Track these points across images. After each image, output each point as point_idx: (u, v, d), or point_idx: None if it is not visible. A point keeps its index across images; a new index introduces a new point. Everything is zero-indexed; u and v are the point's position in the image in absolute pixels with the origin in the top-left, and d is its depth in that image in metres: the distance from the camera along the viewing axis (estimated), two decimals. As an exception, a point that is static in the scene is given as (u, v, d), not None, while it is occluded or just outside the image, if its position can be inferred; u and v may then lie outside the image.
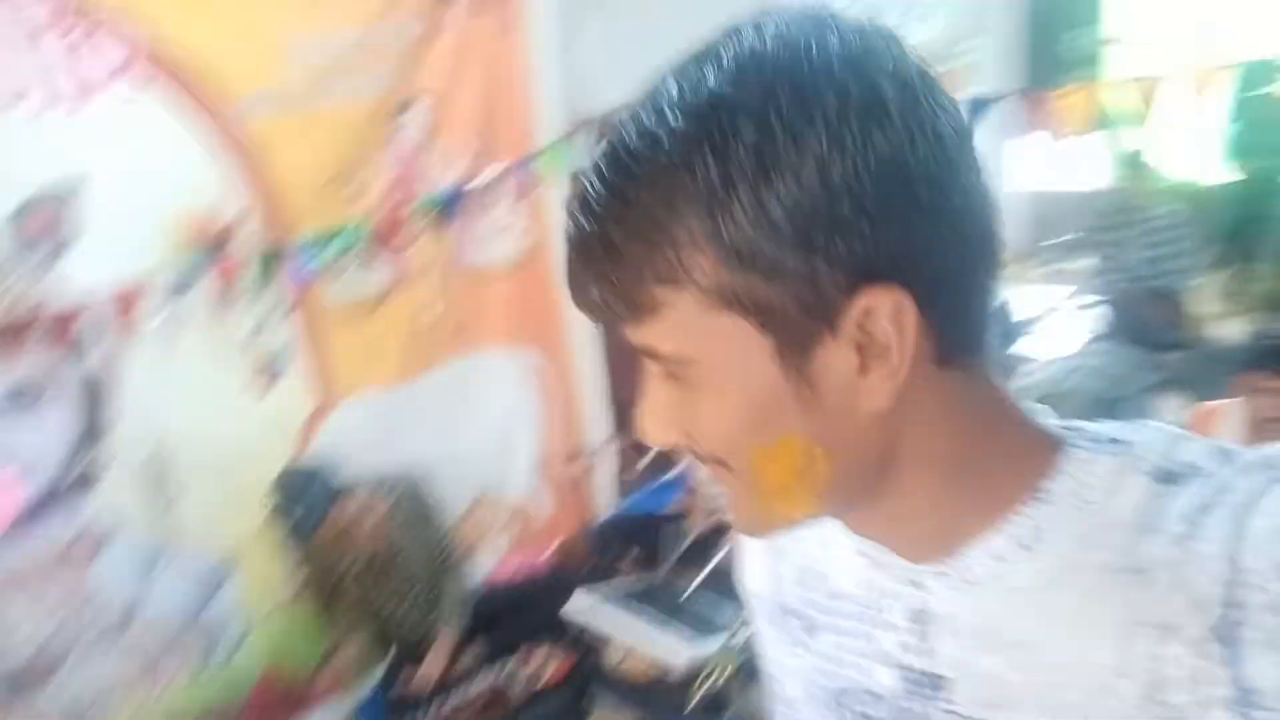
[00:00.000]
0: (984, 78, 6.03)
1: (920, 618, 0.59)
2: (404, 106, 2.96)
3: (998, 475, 0.55)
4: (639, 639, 2.72)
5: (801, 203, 0.47)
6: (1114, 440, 0.55)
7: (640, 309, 0.51)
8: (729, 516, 0.60)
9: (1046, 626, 0.53)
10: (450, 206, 3.07)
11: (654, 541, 3.33)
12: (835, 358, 0.50)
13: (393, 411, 3.11)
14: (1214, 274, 5.07)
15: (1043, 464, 0.55)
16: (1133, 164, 4.56)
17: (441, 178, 3.12)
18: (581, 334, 3.65)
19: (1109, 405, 4.29)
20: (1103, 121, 5.73)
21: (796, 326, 0.49)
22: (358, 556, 2.87)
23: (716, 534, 3.22)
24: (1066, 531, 0.53)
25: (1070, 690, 0.52)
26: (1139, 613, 0.50)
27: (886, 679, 0.61)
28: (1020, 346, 4.44)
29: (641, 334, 0.52)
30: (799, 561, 0.68)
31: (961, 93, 3.15)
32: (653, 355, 0.53)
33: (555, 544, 3.60)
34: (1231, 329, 5.06)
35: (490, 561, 3.51)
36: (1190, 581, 0.48)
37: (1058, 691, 0.53)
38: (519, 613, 3.06)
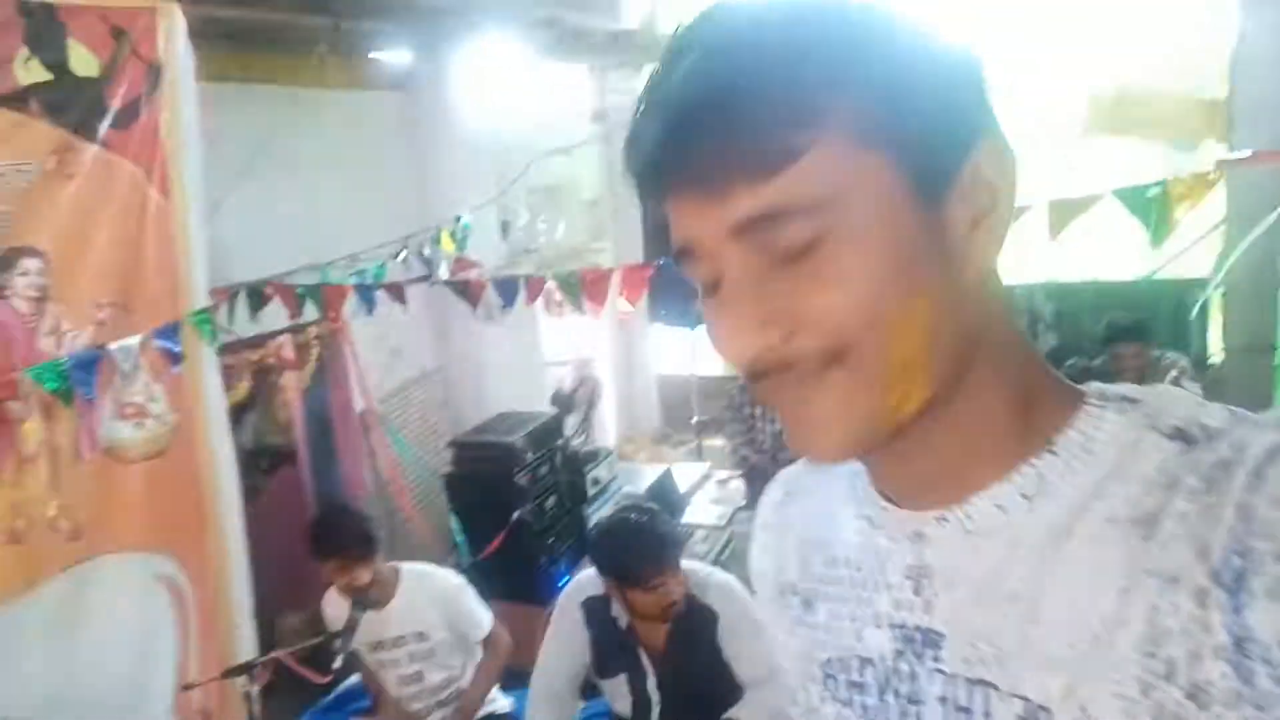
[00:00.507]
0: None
1: (917, 572, 0.59)
2: (12, 260, 2.43)
3: (1032, 414, 0.56)
4: None
5: (940, 59, 0.51)
6: (1124, 398, 0.55)
7: (781, 156, 0.49)
8: (814, 440, 0.54)
9: (1046, 577, 0.53)
10: (70, 380, 2.53)
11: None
12: (957, 209, 0.52)
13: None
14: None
15: (1058, 418, 0.55)
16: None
17: (57, 348, 2.58)
18: (228, 538, 3.14)
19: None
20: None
21: (932, 168, 0.51)
22: None
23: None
24: (1071, 484, 0.53)
25: (1062, 644, 0.51)
26: (1144, 563, 0.49)
27: (878, 641, 0.61)
28: (685, 516, 4.59)
29: (775, 189, 0.49)
30: (802, 535, 0.70)
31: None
32: (783, 217, 0.49)
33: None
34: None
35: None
36: (1200, 533, 0.48)
37: (1050, 646, 0.52)
38: None
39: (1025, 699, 0.53)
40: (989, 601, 0.55)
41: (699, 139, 0.50)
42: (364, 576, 2.69)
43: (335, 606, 2.86)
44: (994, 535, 0.55)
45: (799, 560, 0.70)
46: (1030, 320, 5.50)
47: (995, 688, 0.55)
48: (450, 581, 2.89)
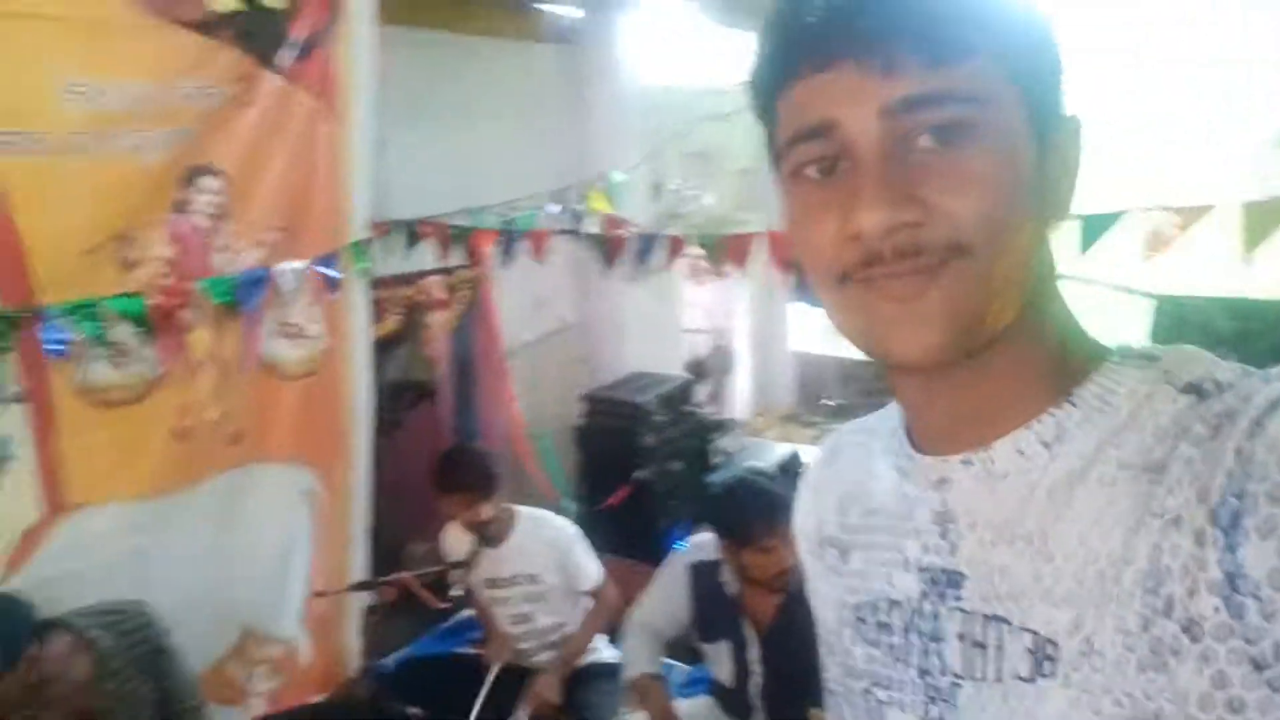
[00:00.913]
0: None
1: (943, 518, 0.63)
2: (194, 177, 2.61)
3: (1062, 368, 0.60)
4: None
5: (1057, 38, 0.58)
6: (1145, 356, 0.59)
7: (953, 51, 0.53)
8: (914, 335, 0.56)
9: (1059, 518, 0.56)
10: (237, 296, 2.71)
11: (441, 691, 2.93)
12: (1053, 159, 0.58)
13: (142, 528, 2.58)
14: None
15: (1083, 373, 0.59)
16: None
17: (228, 264, 2.76)
18: (357, 460, 3.30)
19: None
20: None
21: (1043, 120, 0.57)
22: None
23: (516, 681, 2.88)
24: (1088, 433, 0.57)
25: (1071, 581, 0.55)
26: (1150, 505, 0.53)
27: (906, 584, 0.66)
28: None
29: (941, 76, 0.53)
30: (840, 490, 0.75)
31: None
32: (946, 102, 0.53)
33: (329, 692, 3.08)
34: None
35: (254, 712, 2.95)
36: (1202, 477, 0.51)
37: (1061, 581, 0.56)
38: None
39: (1035, 632, 0.57)
40: (1006, 541, 0.59)
41: (880, 15, 0.53)
42: (484, 512, 2.77)
43: (454, 541, 2.96)
44: (1013, 479, 0.59)
45: (838, 514, 0.75)
46: (1205, 339, 5.08)
47: (1008, 622, 0.58)
48: (564, 530, 2.95)
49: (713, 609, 2.42)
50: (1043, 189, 0.57)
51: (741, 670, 2.40)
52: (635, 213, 4.63)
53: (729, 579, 2.38)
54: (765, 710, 2.42)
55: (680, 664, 3.16)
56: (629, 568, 3.68)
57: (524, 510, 2.99)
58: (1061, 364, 0.60)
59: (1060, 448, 0.58)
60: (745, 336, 6.72)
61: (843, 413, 6.28)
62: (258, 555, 2.97)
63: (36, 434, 2.35)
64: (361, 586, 2.85)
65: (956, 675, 0.62)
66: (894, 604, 0.67)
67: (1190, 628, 0.50)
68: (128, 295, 2.42)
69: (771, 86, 0.59)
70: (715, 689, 2.57)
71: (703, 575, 2.43)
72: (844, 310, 0.59)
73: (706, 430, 4.56)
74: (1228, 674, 0.49)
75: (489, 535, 2.83)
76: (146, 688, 2.36)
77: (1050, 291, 0.61)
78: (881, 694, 0.69)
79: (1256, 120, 5.89)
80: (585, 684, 2.91)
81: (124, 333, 2.47)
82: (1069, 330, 0.61)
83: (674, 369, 5.39)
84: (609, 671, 2.99)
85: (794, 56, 0.57)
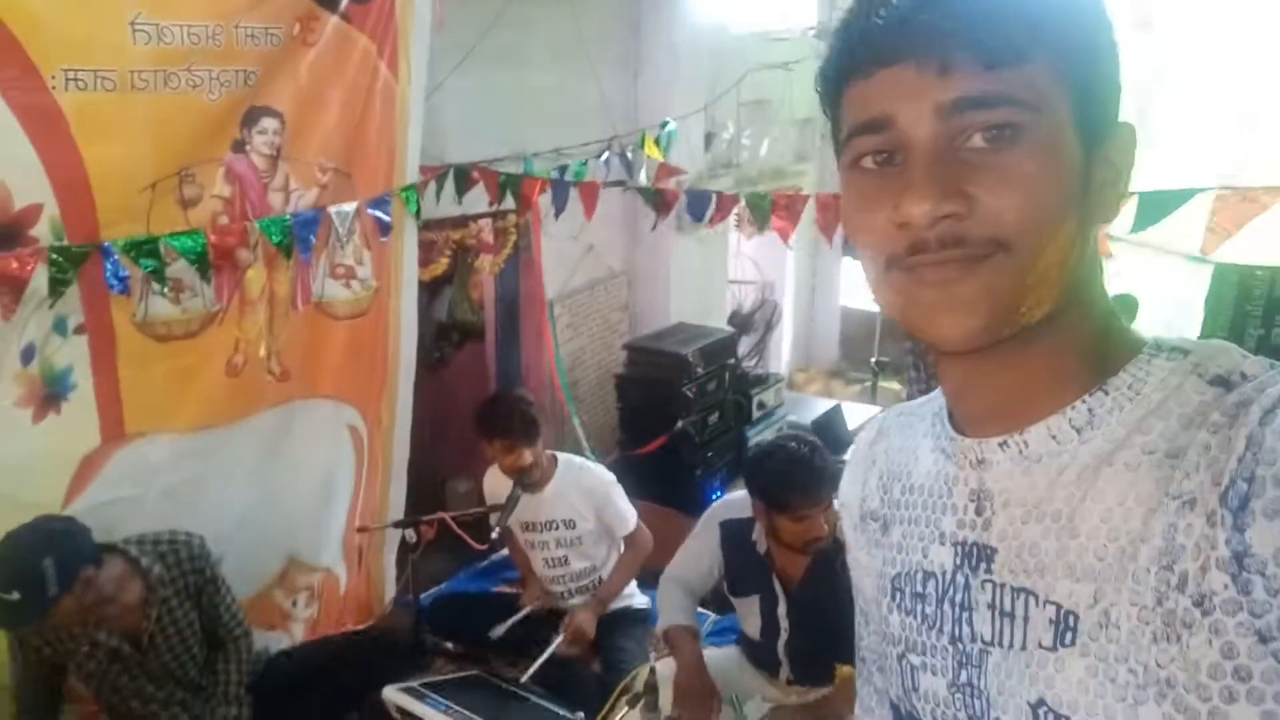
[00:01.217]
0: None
1: (979, 496, 0.67)
2: (254, 117, 2.64)
3: (1098, 359, 0.63)
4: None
5: (1116, 48, 0.61)
6: (1177, 349, 0.62)
7: (1009, 56, 0.56)
8: (953, 319, 0.60)
9: (1085, 499, 0.60)
10: (292, 236, 2.75)
11: (475, 628, 3.03)
12: (1102, 165, 0.61)
13: (194, 458, 2.67)
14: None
15: (1117, 364, 0.63)
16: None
17: (285, 204, 2.80)
18: (399, 399, 3.37)
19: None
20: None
21: (1094, 125, 0.60)
22: (101, 641, 2.37)
23: (549, 620, 2.97)
24: (1117, 420, 0.61)
25: (1094, 557, 0.59)
26: (1168, 488, 0.56)
27: (942, 557, 0.70)
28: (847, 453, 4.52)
29: (996, 78, 0.56)
30: (886, 468, 0.79)
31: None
32: (999, 104, 0.57)
33: (366, 621, 3.20)
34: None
35: (296, 637, 3.08)
36: (1216, 461, 0.54)
37: (1084, 558, 0.60)
38: (319, 687, 2.63)
39: (1058, 605, 0.61)
40: (1036, 519, 0.63)
41: (940, 20, 0.56)
42: (526, 458, 2.83)
43: (495, 484, 3.03)
44: (1046, 461, 0.63)
45: (881, 489, 0.79)
46: (1267, 309, 4.93)
47: (1034, 595, 0.63)
48: (602, 477, 3.00)
49: (744, 565, 2.46)
50: (1089, 192, 0.60)
51: (770, 625, 2.45)
52: (688, 162, 4.60)
53: (760, 538, 2.41)
54: (791, 664, 2.47)
55: (711, 613, 3.23)
56: (665, 514, 3.74)
57: (564, 457, 3.05)
58: (1098, 355, 0.63)
59: (1090, 433, 0.62)
60: (791, 290, 6.68)
61: (889, 370, 6.24)
62: (302, 487, 3.07)
63: (96, 365, 2.43)
64: (402, 524, 2.94)
65: (985, 643, 0.66)
66: (929, 575, 0.71)
67: (1202, 602, 0.54)
68: (187, 233, 2.47)
69: (838, 82, 0.63)
70: (743, 641, 2.62)
71: (735, 533, 2.47)
72: (890, 293, 0.62)
73: (747, 384, 4.57)
74: (1235, 645, 0.53)
75: (529, 481, 2.90)
76: (193, 615, 2.48)
77: (1093, 287, 0.64)
78: (915, 659, 0.73)
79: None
80: (616, 628, 2.98)
81: (181, 269, 2.53)
82: (1108, 323, 0.64)
83: (719, 320, 5.38)
84: (640, 617, 3.07)
85: (859, 55, 0.60)
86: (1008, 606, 0.65)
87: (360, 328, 3.13)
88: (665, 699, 2.31)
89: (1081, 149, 0.59)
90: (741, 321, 5.79)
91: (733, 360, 4.52)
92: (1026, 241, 0.57)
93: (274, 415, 2.93)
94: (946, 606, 0.70)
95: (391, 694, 2.50)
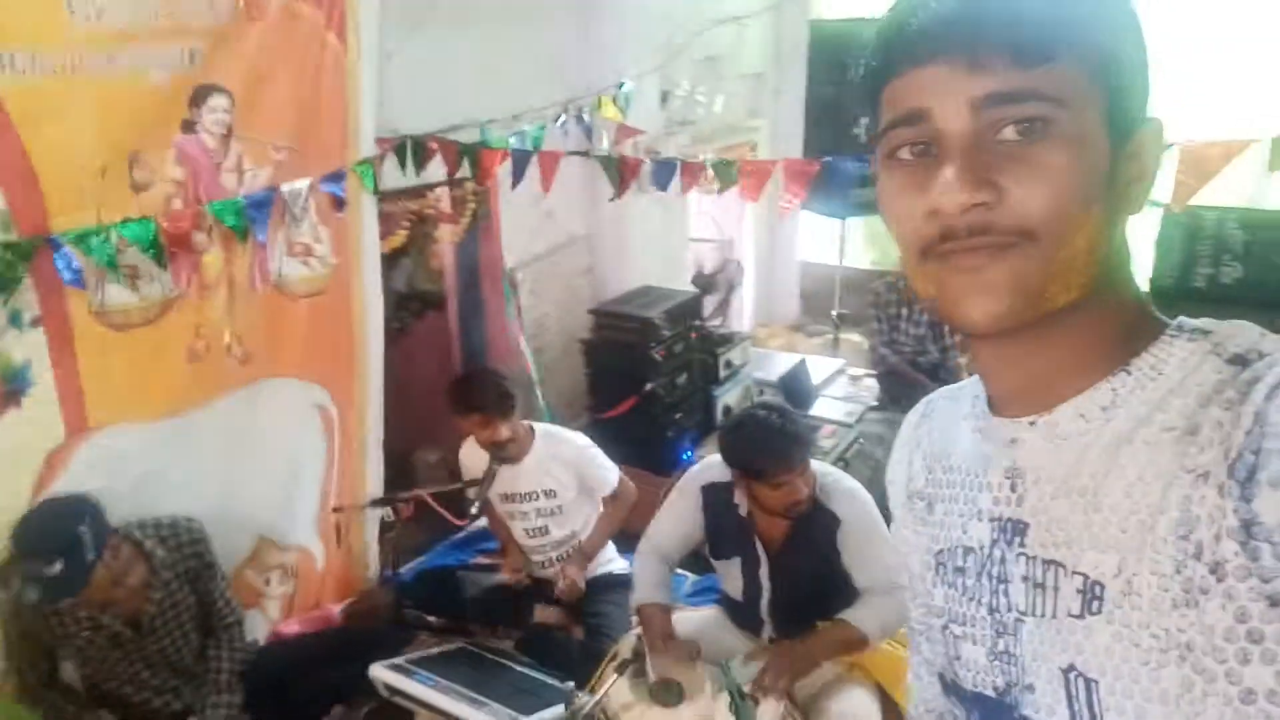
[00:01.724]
0: (766, 154, 6.40)
1: (1013, 473, 0.71)
2: (202, 96, 2.56)
3: (1124, 342, 0.66)
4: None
5: (1144, 46, 0.64)
6: (1199, 330, 0.65)
7: (1042, 54, 0.59)
8: (978, 304, 0.63)
9: (1109, 474, 0.64)
10: (246, 218, 2.69)
11: (457, 601, 3.04)
12: (1129, 160, 0.64)
13: (159, 446, 2.63)
14: (965, 354, 5.53)
15: (1140, 345, 0.66)
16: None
17: (238, 185, 2.73)
18: (371, 376, 3.34)
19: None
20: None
21: (1123, 122, 0.63)
22: (105, 624, 2.36)
23: (532, 590, 2.99)
24: (1140, 399, 0.64)
25: (1117, 529, 0.63)
26: (1185, 462, 0.59)
27: (980, 533, 0.74)
28: (814, 409, 4.58)
29: (1028, 76, 0.59)
30: (929, 449, 0.84)
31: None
32: (1029, 99, 0.60)
33: (345, 601, 3.19)
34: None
35: (272, 614, 3.07)
36: (1228, 436, 0.57)
37: (1107, 530, 0.63)
38: (306, 674, 2.63)
39: (1084, 575, 0.65)
40: (1064, 495, 0.67)
41: (974, 20, 0.60)
42: (502, 432, 2.83)
43: (472, 458, 3.02)
44: (1073, 439, 0.67)
45: (926, 469, 0.83)
46: (1215, 249, 5.05)
47: (1063, 566, 0.66)
48: (578, 444, 3.01)
49: (725, 528, 2.49)
50: (1115, 185, 0.63)
51: (752, 586, 2.48)
52: (645, 121, 4.55)
53: (741, 500, 2.43)
54: (773, 624, 2.51)
55: (689, 574, 3.27)
56: (638, 476, 3.75)
57: (540, 427, 3.05)
58: (1124, 338, 0.66)
59: (1114, 411, 0.65)
60: (751, 246, 6.69)
61: (850, 322, 6.29)
62: (270, 467, 3.04)
63: (55, 358, 2.37)
64: (380, 503, 2.93)
65: (1020, 612, 0.70)
66: (969, 550, 0.76)
67: (1216, 569, 0.57)
68: (138, 221, 2.40)
69: (878, 79, 0.66)
70: (725, 601, 2.66)
71: (715, 495, 2.49)
72: (924, 281, 0.66)
73: (713, 343, 4.58)
74: (1248, 609, 0.56)
75: (508, 454, 2.89)
76: (191, 600, 2.47)
77: (1121, 274, 0.67)
78: (957, 629, 0.77)
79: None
80: (598, 594, 3.01)
81: (137, 255, 2.46)
82: (1136, 309, 0.68)
83: (681, 280, 5.37)
84: (621, 582, 3.09)
85: (897, 54, 0.64)
86: (1040, 578, 0.68)
87: (322, 305, 3.08)
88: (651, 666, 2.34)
89: (1110, 144, 0.62)
90: (705, 282, 5.79)
91: (698, 321, 4.53)
92: (1052, 231, 0.61)
93: (238, 398, 2.88)
94: (984, 579, 0.74)
95: (379, 671, 2.50)
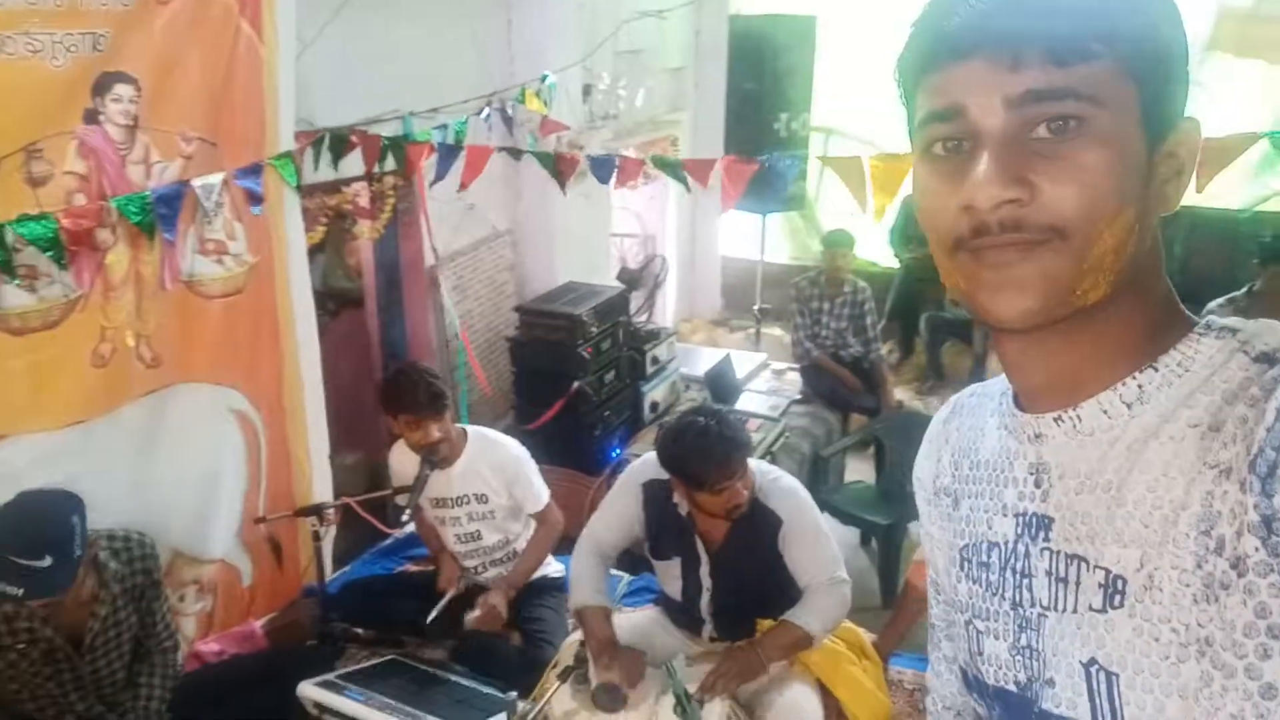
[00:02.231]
0: (687, 148, 6.41)
1: (1038, 469, 0.71)
2: (107, 84, 2.40)
3: (1152, 338, 0.66)
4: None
5: (1184, 46, 0.64)
6: (1226, 329, 0.65)
7: (1079, 53, 0.59)
8: (1010, 300, 0.63)
9: (1134, 470, 0.64)
10: (153, 214, 2.54)
11: (386, 611, 2.94)
12: (1165, 159, 0.64)
13: (64, 456, 2.46)
14: (886, 346, 5.64)
15: (1168, 343, 0.66)
16: (834, 242, 4.94)
17: (145, 179, 2.58)
18: (304, 380, 3.20)
19: (813, 462, 4.58)
20: (803, 200, 6.28)
21: (1158, 121, 0.63)
22: (44, 636, 2.19)
23: (467, 598, 2.91)
24: (1166, 395, 0.64)
25: (1140, 524, 0.63)
26: (1208, 458, 0.59)
27: (1004, 528, 0.75)
28: (741, 402, 4.59)
29: (1065, 74, 0.59)
30: (957, 445, 0.84)
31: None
32: (1065, 97, 0.59)
33: (266, 617, 3.05)
34: (905, 396, 5.67)
35: (185, 637, 2.91)
36: (1251, 432, 0.57)
37: (1130, 525, 0.63)
38: (232, 700, 2.50)
39: (1107, 570, 0.65)
40: (1089, 490, 0.67)
41: (1014, 19, 0.60)
42: (434, 433, 2.74)
43: (403, 463, 2.92)
44: (1098, 435, 0.67)
45: (953, 466, 0.83)
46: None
47: (1086, 561, 0.66)
48: (513, 451, 2.94)
49: (665, 526, 2.46)
50: (1150, 184, 0.63)
51: (692, 586, 2.47)
52: (566, 115, 4.49)
53: (681, 500, 2.41)
54: (714, 623, 2.50)
55: (625, 573, 3.24)
56: (566, 477, 3.71)
57: (474, 430, 2.96)
58: (1152, 335, 0.66)
59: (1140, 408, 0.65)
60: (673, 241, 6.68)
61: (771, 316, 6.35)
62: (183, 477, 2.88)
63: (-53, 365, 2.20)
64: (305, 512, 2.80)
65: (1044, 607, 0.70)
66: (993, 545, 0.76)
67: (1237, 564, 0.57)
68: (36, 218, 2.24)
69: (915, 74, 0.66)
70: (663, 600, 2.64)
71: (657, 493, 2.46)
72: (956, 276, 0.66)
73: (640, 340, 4.55)
74: (1268, 605, 0.56)
75: (439, 456, 2.80)
76: (133, 619, 2.33)
77: (1152, 273, 0.67)
78: (980, 624, 0.77)
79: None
80: (533, 598, 2.95)
81: (35, 255, 2.30)
82: (1165, 306, 0.68)
83: (606, 276, 5.33)
84: (556, 585, 3.04)
85: (935, 50, 0.64)
86: (1063, 572, 0.69)
87: (237, 306, 2.94)
88: (594, 671, 2.30)
89: (1145, 143, 0.62)
90: (630, 278, 5.76)
91: (625, 317, 4.50)
92: (1083, 230, 0.61)
93: (147, 404, 2.72)
94: (1008, 574, 0.74)
95: (307, 690, 2.40)
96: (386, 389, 2.80)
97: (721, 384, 4.72)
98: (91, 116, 2.38)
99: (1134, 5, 0.61)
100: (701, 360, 5.11)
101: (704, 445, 2.22)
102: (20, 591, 2.00)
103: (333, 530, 2.73)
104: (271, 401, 3.10)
